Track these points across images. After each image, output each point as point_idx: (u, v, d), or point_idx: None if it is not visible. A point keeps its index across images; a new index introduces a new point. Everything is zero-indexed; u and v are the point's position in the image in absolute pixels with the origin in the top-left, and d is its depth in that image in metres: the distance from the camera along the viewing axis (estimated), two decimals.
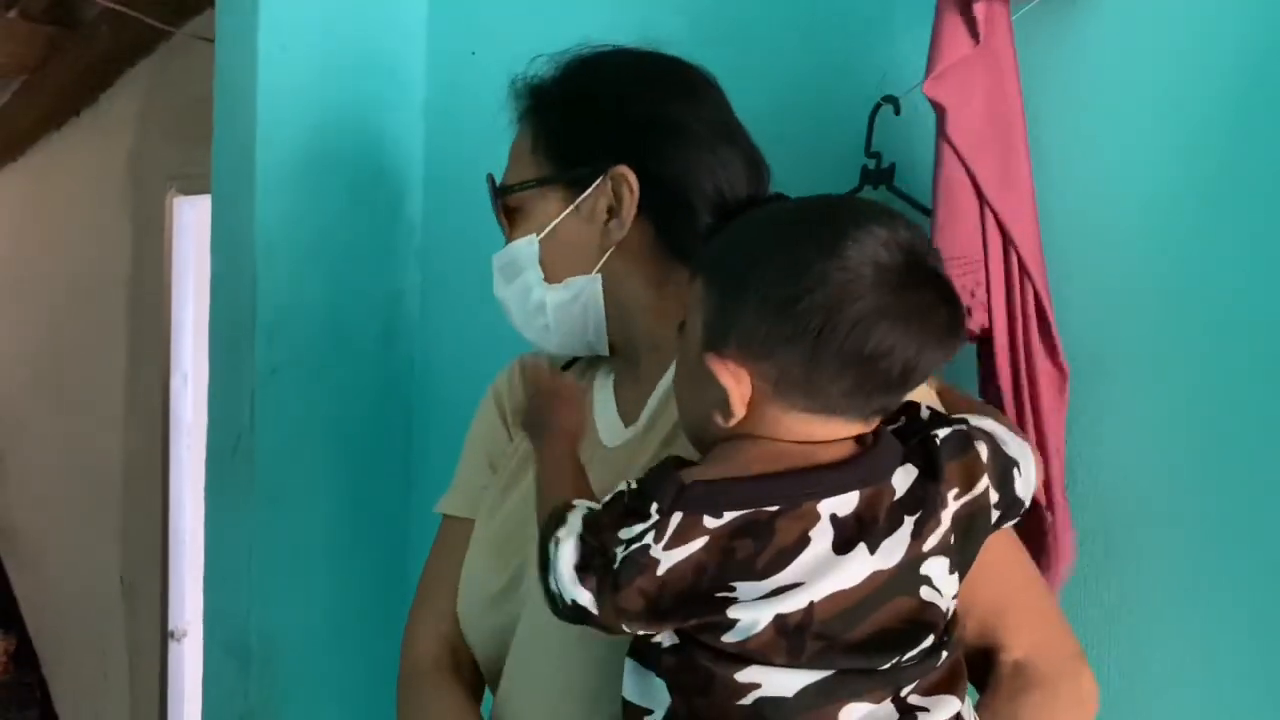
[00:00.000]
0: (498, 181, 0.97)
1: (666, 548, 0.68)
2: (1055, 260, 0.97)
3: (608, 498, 0.74)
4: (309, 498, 1.58)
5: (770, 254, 0.70)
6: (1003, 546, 0.79)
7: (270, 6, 1.50)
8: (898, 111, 1.07)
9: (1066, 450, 0.96)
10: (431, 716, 0.95)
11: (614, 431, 0.93)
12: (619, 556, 0.69)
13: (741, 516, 0.68)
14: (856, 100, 1.11)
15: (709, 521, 0.68)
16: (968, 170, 0.94)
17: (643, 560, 0.68)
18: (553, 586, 0.73)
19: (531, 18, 1.53)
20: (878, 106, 1.08)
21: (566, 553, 0.72)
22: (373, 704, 1.72)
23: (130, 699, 2.47)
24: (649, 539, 0.68)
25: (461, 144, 1.65)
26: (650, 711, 0.73)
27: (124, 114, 2.48)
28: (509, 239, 0.95)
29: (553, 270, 0.92)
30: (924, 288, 0.68)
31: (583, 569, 0.71)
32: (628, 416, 0.93)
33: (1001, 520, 0.75)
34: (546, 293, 0.92)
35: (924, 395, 0.81)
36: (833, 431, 0.71)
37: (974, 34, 0.94)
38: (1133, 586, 0.96)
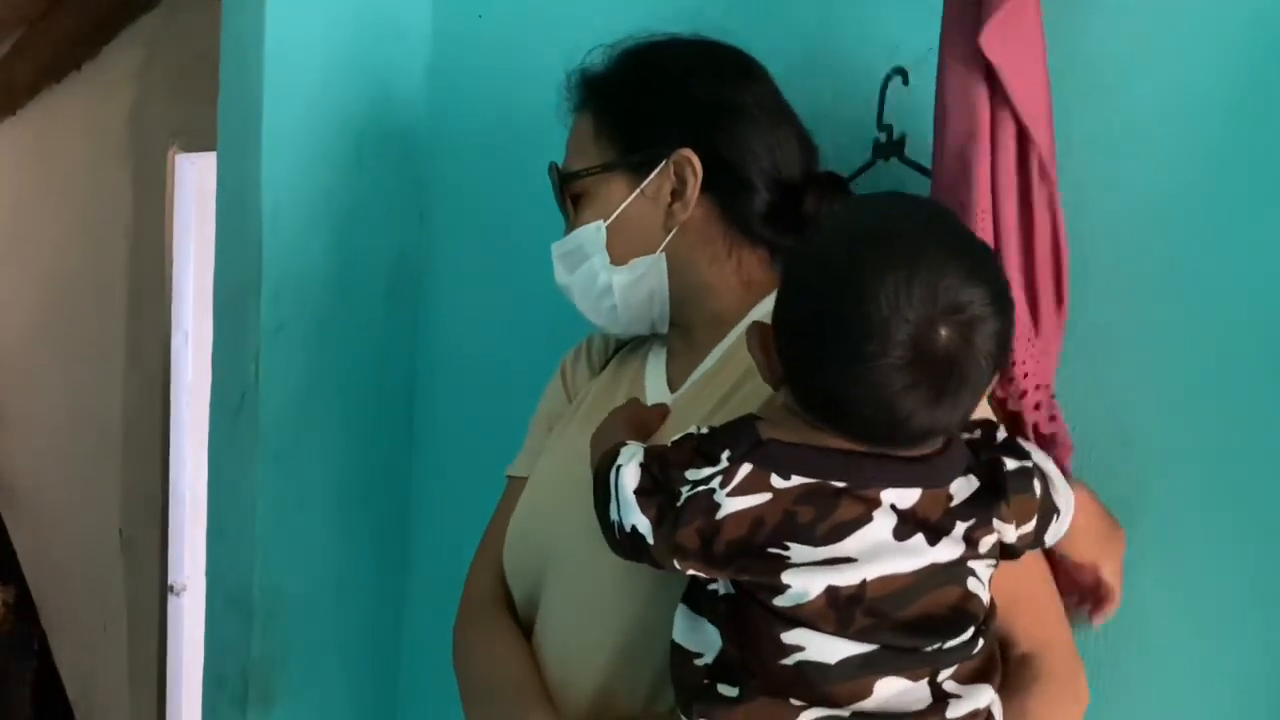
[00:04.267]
0: (557, 170, 1.00)
1: (730, 494, 0.70)
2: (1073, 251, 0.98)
3: (676, 437, 0.77)
4: (312, 455, 1.60)
5: (826, 304, 0.69)
6: None
7: None
8: (906, 82, 1.08)
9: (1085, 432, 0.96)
10: (485, 645, 0.98)
11: (660, 396, 0.96)
12: (683, 495, 0.72)
13: (808, 484, 0.70)
14: (868, 72, 1.12)
15: (776, 480, 0.70)
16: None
17: (705, 502, 0.71)
18: (611, 514, 0.76)
19: None
20: (888, 78, 1.09)
21: (629, 477, 0.75)
22: (374, 657, 1.75)
23: (128, 652, 2.50)
24: (715, 483, 0.71)
25: (467, 106, 1.65)
26: (700, 655, 0.75)
27: (126, 69, 2.46)
28: (573, 225, 0.98)
29: (618, 253, 0.96)
30: (959, 366, 0.67)
31: (643, 494, 0.74)
32: (674, 383, 0.97)
33: (1027, 549, 0.78)
34: (613, 275, 0.96)
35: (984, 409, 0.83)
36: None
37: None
38: (1140, 569, 0.97)
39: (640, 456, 0.76)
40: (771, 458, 0.71)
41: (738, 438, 0.73)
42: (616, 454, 0.78)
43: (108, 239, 2.46)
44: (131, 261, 2.50)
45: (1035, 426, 0.90)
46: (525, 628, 0.96)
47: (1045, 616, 0.86)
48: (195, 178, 2.47)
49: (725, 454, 0.72)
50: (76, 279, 2.58)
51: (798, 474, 0.70)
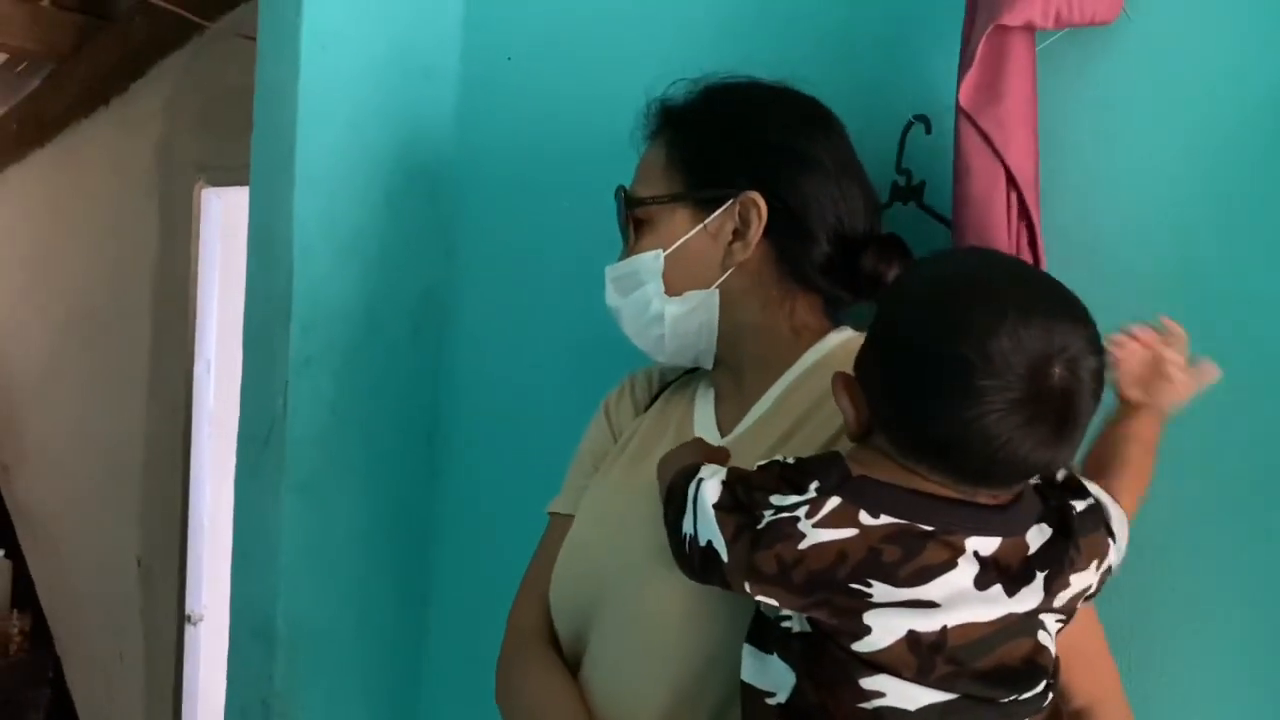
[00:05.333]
0: (625, 192, 1.01)
1: (817, 525, 0.71)
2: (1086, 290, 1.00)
3: (761, 463, 0.77)
4: (337, 487, 1.62)
5: (919, 349, 0.71)
6: None
7: (312, 7, 1.53)
8: (929, 130, 1.10)
9: None
10: (533, 681, 0.98)
11: (709, 438, 0.96)
12: (765, 518, 0.72)
13: (896, 524, 0.71)
14: (889, 118, 1.14)
15: (865, 517, 0.71)
16: (1009, 175, 0.96)
17: (789, 529, 0.71)
18: (685, 527, 0.76)
19: (566, 25, 1.56)
20: (909, 125, 1.12)
21: (710, 491, 0.75)
22: (395, 688, 1.76)
23: (145, 681, 2.51)
24: (801, 512, 0.71)
25: (494, 146, 1.68)
26: (772, 694, 0.75)
27: (154, 104, 2.51)
28: (631, 250, 1.00)
29: (673, 283, 0.96)
30: (1073, 401, 0.68)
31: (723, 510, 0.74)
32: (724, 426, 0.97)
33: (1099, 589, 0.78)
34: (666, 305, 0.96)
35: None
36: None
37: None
38: (1151, 597, 0.98)
39: (723, 475, 0.77)
40: (862, 494, 0.72)
41: (828, 470, 0.73)
42: (697, 469, 0.78)
43: (133, 270, 2.49)
44: (155, 293, 2.53)
45: None
46: (571, 665, 0.96)
47: (1099, 670, 0.86)
48: (221, 211, 2.51)
49: (814, 485, 0.72)
50: (101, 310, 2.62)
51: (886, 513, 0.71)
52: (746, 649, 0.78)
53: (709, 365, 1.00)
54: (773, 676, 0.75)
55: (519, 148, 1.65)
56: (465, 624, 1.70)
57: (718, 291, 0.95)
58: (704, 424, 0.98)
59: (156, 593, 2.55)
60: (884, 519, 0.70)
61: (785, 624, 0.75)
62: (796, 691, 0.73)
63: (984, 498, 0.72)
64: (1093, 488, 0.78)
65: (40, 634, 3.01)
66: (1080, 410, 0.68)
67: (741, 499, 0.74)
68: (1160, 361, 0.85)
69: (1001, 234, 0.96)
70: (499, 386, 1.69)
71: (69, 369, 2.84)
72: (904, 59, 1.18)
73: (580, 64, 1.53)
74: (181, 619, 2.47)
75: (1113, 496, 0.79)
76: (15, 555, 3.17)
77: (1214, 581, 0.95)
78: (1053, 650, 0.74)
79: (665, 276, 0.96)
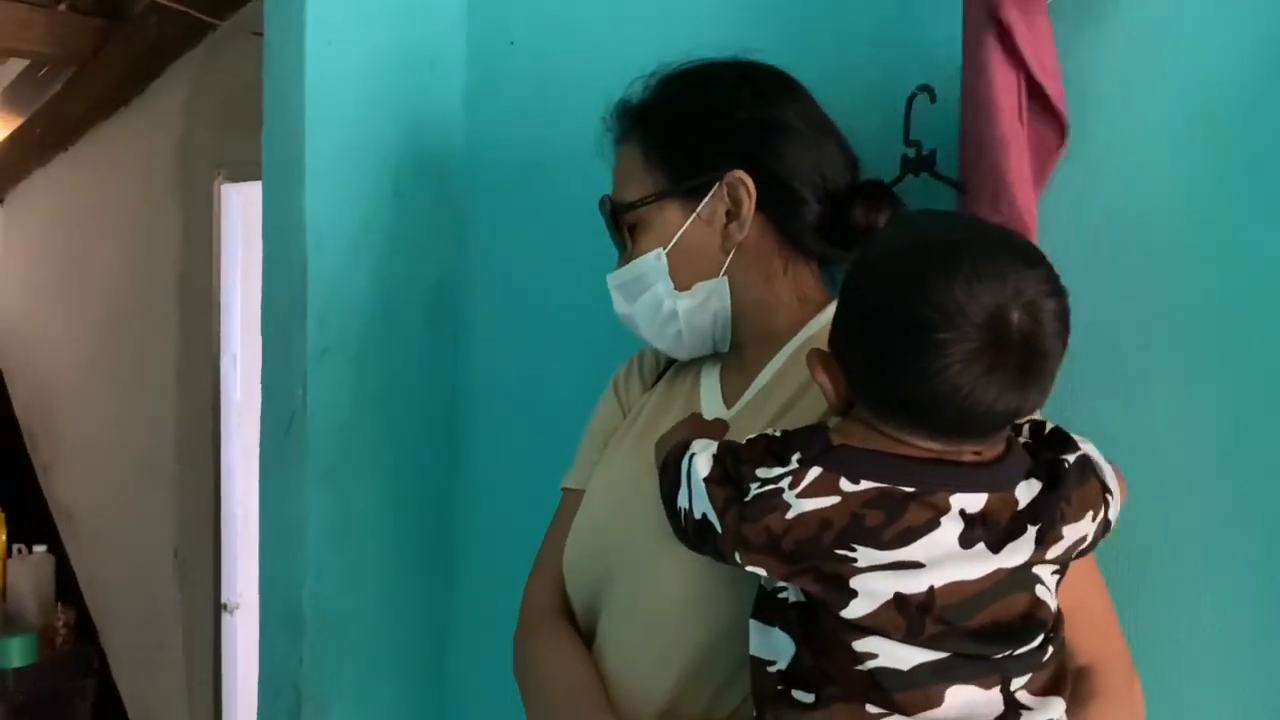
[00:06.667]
0: (610, 201, 1.01)
1: (800, 495, 0.72)
2: (1083, 260, 1.00)
3: (749, 437, 0.79)
4: (359, 475, 1.65)
5: (884, 306, 0.72)
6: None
7: (316, 3, 1.55)
8: (933, 99, 1.10)
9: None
10: (547, 654, 1.00)
11: (715, 411, 0.98)
12: (752, 491, 0.74)
13: (877, 488, 0.72)
14: (894, 89, 1.14)
15: (845, 484, 0.72)
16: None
17: (775, 500, 0.72)
18: (680, 500, 0.78)
19: (568, 7, 1.57)
20: (914, 95, 1.11)
21: (701, 465, 0.77)
22: (423, 669, 1.79)
23: (185, 669, 2.57)
24: (784, 483, 0.73)
25: (502, 132, 1.70)
26: (773, 662, 0.77)
27: (172, 103, 2.54)
28: (629, 255, 1.00)
29: (681, 279, 0.97)
30: (1035, 345, 0.69)
31: (714, 483, 0.76)
32: (729, 399, 0.98)
33: (1097, 542, 0.78)
34: (679, 301, 0.97)
35: None
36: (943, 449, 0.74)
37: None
38: (1160, 595, 0.98)
39: (714, 449, 0.79)
40: (841, 462, 0.73)
41: (809, 441, 0.75)
42: (689, 445, 0.80)
43: (158, 268, 2.54)
44: (181, 289, 2.58)
45: None
46: (585, 638, 0.98)
47: (1102, 628, 0.86)
48: (241, 206, 2.55)
49: (796, 456, 0.74)
50: (130, 308, 2.67)
51: (867, 479, 0.72)
52: (752, 624, 0.79)
53: (725, 349, 1.01)
54: (775, 646, 0.77)
55: (527, 134, 1.67)
56: (490, 603, 1.73)
57: (726, 278, 0.96)
58: (710, 398, 1.00)
59: (193, 583, 2.61)
60: (865, 484, 0.72)
61: (782, 594, 0.77)
62: (796, 658, 0.75)
63: (967, 455, 0.73)
64: (1083, 443, 0.78)
65: (84, 627, 3.08)
66: (1044, 352, 0.69)
67: (731, 472, 0.76)
68: None
69: (1015, 194, 0.96)
70: (516, 370, 1.71)
71: (102, 368, 2.90)
72: (903, 29, 1.18)
73: (584, 47, 1.54)
74: (218, 608, 2.53)
75: None
76: (57, 551, 3.24)
77: (1219, 536, 0.95)
78: (1053, 605, 0.75)
79: (671, 274, 0.97)
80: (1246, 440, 0.94)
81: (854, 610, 0.71)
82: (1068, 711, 0.79)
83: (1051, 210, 1.02)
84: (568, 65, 1.60)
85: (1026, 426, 0.80)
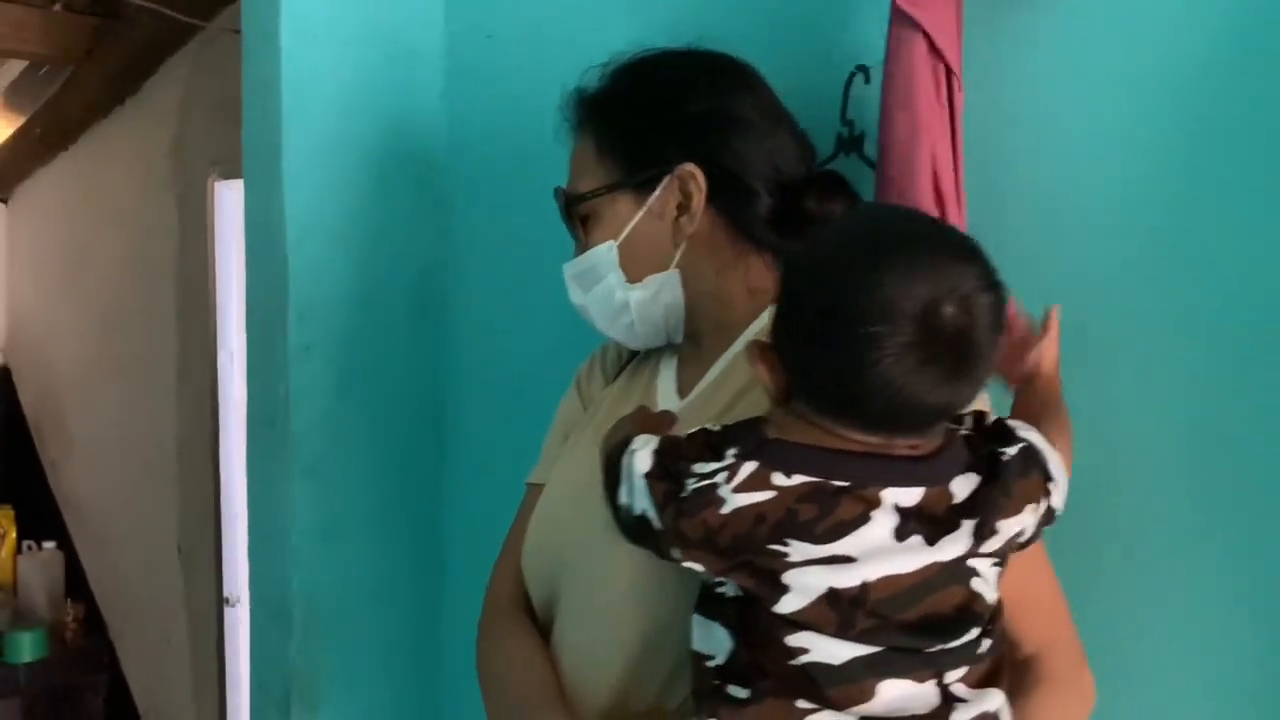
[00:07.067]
0: (564, 193, 1.02)
1: (735, 490, 0.72)
2: (1028, 246, 1.00)
3: (690, 431, 0.78)
4: (345, 469, 1.66)
5: (818, 292, 0.73)
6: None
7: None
8: (868, 80, 1.09)
9: None
10: (502, 648, 1.01)
11: (670, 403, 0.98)
12: (689, 486, 0.74)
13: (810, 483, 0.72)
14: (833, 70, 1.14)
15: (778, 478, 0.72)
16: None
17: (710, 496, 0.72)
18: (621, 497, 0.78)
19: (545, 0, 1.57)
20: (851, 76, 1.11)
21: (641, 461, 0.77)
22: (414, 661, 1.80)
23: (191, 662, 2.59)
24: (720, 478, 0.73)
25: (482, 124, 1.70)
26: (711, 656, 0.77)
27: (167, 101, 2.55)
28: (583, 247, 1.00)
29: (632, 271, 0.97)
30: (967, 339, 0.69)
31: (653, 479, 0.76)
32: (684, 390, 0.99)
33: (1041, 531, 0.78)
34: (630, 293, 0.97)
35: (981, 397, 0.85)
36: (877, 442, 0.74)
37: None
38: (1122, 579, 0.98)
39: (655, 444, 0.78)
40: (775, 456, 0.73)
41: (745, 436, 0.75)
42: (630, 441, 0.80)
43: (156, 266, 2.56)
44: (179, 286, 2.59)
45: None
46: (545, 631, 0.98)
47: (1049, 617, 0.86)
48: (235, 203, 2.56)
49: (731, 451, 0.74)
50: (129, 305, 2.69)
51: (800, 473, 0.72)
52: (695, 618, 0.79)
53: (679, 340, 1.01)
54: (714, 642, 0.77)
55: (508, 125, 1.67)
56: (480, 596, 1.73)
57: (678, 271, 0.96)
58: (666, 390, 1.00)
59: (196, 577, 2.63)
60: (798, 478, 0.71)
61: (720, 589, 0.77)
62: (733, 654, 0.75)
63: (902, 449, 0.72)
64: (1027, 432, 0.78)
65: (94, 621, 3.11)
66: (976, 346, 0.69)
67: (670, 468, 0.75)
68: (1026, 344, 0.89)
69: (922, 183, 0.96)
70: (503, 362, 1.72)
71: (105, 365, 2.92)
72: (844, 10, 1.17)
73: (562, 38, 1.54)
74: (220, 601, 2.55)
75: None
76: (67, 546, 3.27)
77: (1183, 518, 0.95)
78: (990, 597, 0.74)
79: (623, 265, 0.97)
80: (1210, 422, 0.93)
81: (786, 605, 0.71)
82: (1012, 701, 0.78)
83: (1013, 190, 1.01)
84: (546, 56, 1.60)
85: (969, 418, 0.79)
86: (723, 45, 1.02)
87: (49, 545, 3.23)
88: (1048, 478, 0.76)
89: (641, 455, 0.77)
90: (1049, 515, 0.77)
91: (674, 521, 0.73)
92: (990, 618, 0.75)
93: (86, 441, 3.13)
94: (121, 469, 2.86)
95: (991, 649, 0.75)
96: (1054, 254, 1.00)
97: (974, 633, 0.73)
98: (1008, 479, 0.73)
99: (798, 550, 0.71)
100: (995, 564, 0.75)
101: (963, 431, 0.77)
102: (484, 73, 1.68)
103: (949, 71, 0.98)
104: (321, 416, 1.62)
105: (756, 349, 0.77)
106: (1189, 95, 0.94)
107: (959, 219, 0.99)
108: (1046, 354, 0.89)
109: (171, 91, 2.57)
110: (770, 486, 0.71)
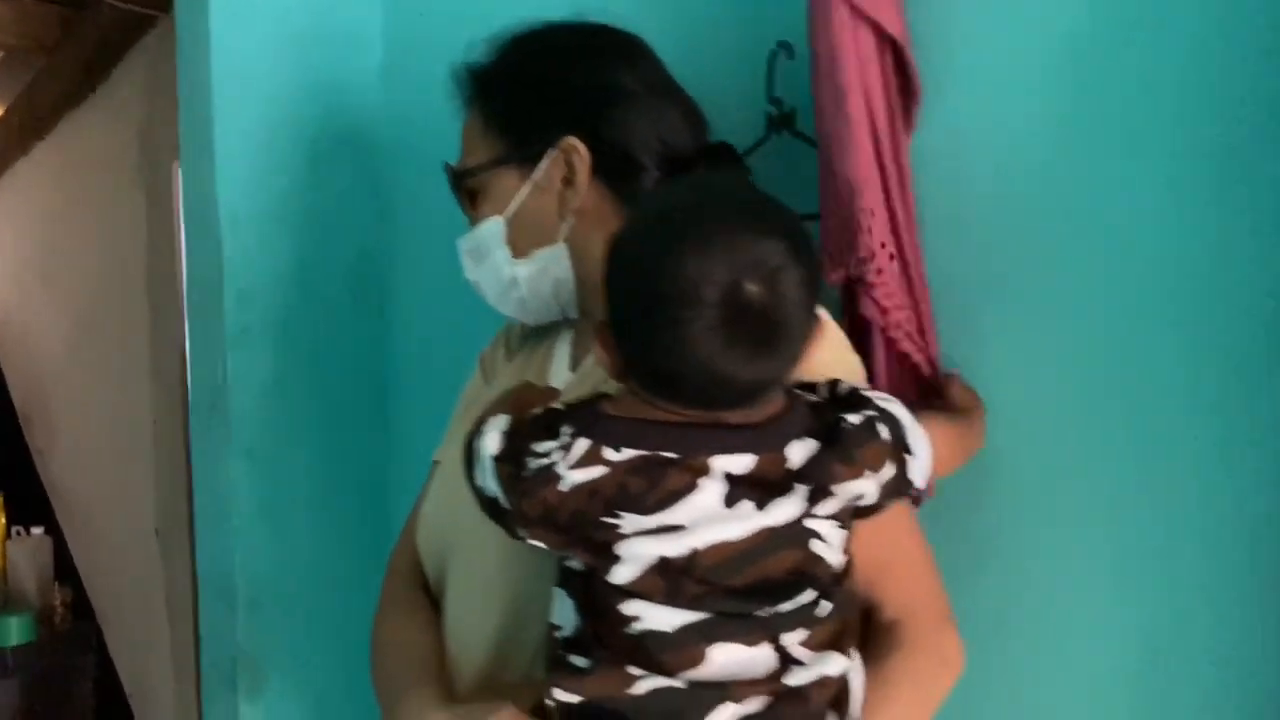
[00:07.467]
0: (451, 168, 1.02)
1: (570, 468, 0.73)
2: (943, 208, 1.00)
3: (537, 411, 0.80)
4: (286, 450, 1.67)
5: (631, 272, 0.74)
6: (892, 512, 0.81)
7: None
8: (791, 56, 1.09)
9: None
10: (388, 624, 1.03)
11: (562, 377, 0.99)
12: (530, 466, 0.75)
13: (639, 456, 0.73)
14: (758, 47, 1.13)
15: (608, 453, 0.73)
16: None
17: (549, 474, 0.74)
18: (476, 479, 0.79)
19: None
20: (774, 53, 1.10)
21: (489, 443, 0.78)
22: (361, 643, 1.81)
23: (170, 642, 2.62)
24: (557, 457, 0.74)
25: (420, 103, 1.69)
26: (561, 628, 0.78)
27: (133, 90, 2.57)
28: (473, 222, 1.00)
29: (519, 245, 0.98)
30: (771, 316, 0.69)
31: (501, 461, 0.77)
32: (576, 365, 1.00)
33: (892, 499, 0.78)
34: (516, 269, 0.98)
35: (850, 365, 0.85)
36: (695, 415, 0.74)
37: None
38: (1008, 516, 0.99)
39: (504, 425, 0.79)
40: (606, 432, 0.74)
41: (580, 414, 0.76)
42: (487, 421, 0.81)
43: (129, 254, 2.57)
44: (149, 274, 2.61)
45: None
46: (439, 607, 1.00)
47: (912, 582, 0.86)
48: None
49: (567, 429, 0.75)
50: (104, 293, 2.71)
51: (629, 447, 0.73)
52: (555, 592, 0.80)
53: (575, 314, 1.01)
54: (563, 614, 0.78)
55: (446, 104, 1.66)
56: None
57: (565, 246, 0.96)
58: (559, 364, 1.01)
59: (173, 561, 2.66)
60: (627, 453, 0.72)
61: (569, 563, 0.78)
62: (578, 625, 0.76)
63: (734, 419, 0.73)
64: (888, 404, 0.77)
65: (82, 606, 3.15)
66: (783, 322, 0.69)
67: (515, 449, 0.76)
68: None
69: (859, 152, 0.96)
70: (446, 343, 1.72)
71: (84, 353, 2.95)
72: None
73: (500, 14, 1.53)
74: (195, 583, 2.58)
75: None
76: (55, 533, 3.32)
77: (1076, 480, 0.95)
78: (832, 560, 0.75)
79: (510, 241, 0.97)
80: (1100, 385, 0.93)
81: (619, 576, 0.72)
82: (868, 665, 0.79)
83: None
84: (485, 33, 1.59)
85: (824, 387, 0.79)
86: (653, 23, 1.02)
87: (37, 531, 3.27)
88: (904, 449, 0.76)
89: (490, 437, 0.78)
90: (900, 485, 0.77)
91: (518, 502, 0.74)
92: (833, 581, 0.75)
93: (69, 429, 3.17)
94: (101, 456, 2.89)
95: (833, 612, 0.75)
96: (950, 215, 1.00)
97: (809, 595, 0.74)
98: (847, 444, 0.73)
99: (629, 522, 0.72)
100: (839, 526, 0.75)
101: (812, 398, 0.77)
102: (422, 52, 1.67)
103: (886, 38, 0.96)
104: (260, 397, 1.64)
105: (597, 328, 0.77)
106: (1085, 54, 0.94)
107: (903, 194, 0.97)
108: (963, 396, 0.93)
109: (136, 80, 2.59)
110: (602, 462, 0.72)
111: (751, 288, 0.68)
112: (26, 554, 3.22)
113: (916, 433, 0.78)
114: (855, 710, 0.75)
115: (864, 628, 0.85)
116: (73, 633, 3.11)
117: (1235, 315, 0.85)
